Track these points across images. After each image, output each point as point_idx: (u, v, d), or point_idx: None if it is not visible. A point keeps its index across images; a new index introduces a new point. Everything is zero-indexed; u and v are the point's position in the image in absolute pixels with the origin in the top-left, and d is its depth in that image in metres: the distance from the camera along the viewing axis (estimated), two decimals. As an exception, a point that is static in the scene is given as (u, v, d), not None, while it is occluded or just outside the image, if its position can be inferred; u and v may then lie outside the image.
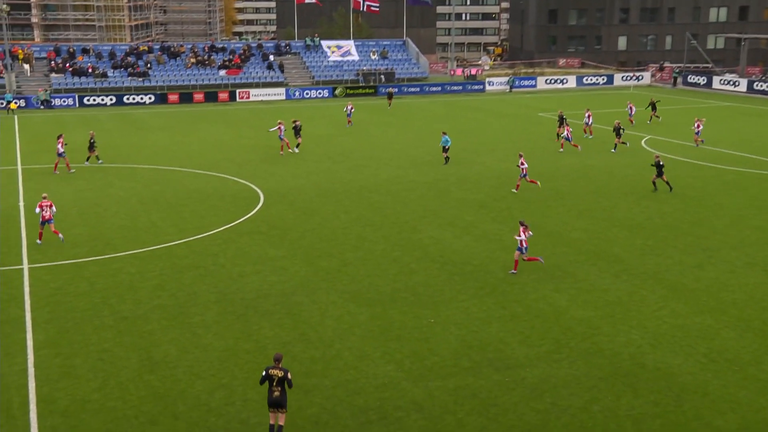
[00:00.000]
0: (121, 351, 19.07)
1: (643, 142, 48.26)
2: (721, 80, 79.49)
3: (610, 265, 25.32)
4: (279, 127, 44.50)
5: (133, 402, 16.62)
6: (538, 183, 35.35)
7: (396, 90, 75.16)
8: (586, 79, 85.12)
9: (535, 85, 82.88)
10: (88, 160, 42.13)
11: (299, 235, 28.96)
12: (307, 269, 25.11)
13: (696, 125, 46.15)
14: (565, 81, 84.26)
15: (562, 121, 47.39)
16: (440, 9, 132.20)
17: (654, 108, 56.14)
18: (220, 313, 21.50)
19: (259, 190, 35.83)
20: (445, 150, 41.23)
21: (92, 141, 41.98)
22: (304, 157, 43.50)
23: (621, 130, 44.46)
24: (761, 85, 74.85)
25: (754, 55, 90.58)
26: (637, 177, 37.84)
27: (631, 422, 15.84)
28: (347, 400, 16.75)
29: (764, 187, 36.06)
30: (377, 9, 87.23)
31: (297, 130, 45.52)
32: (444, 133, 41.88)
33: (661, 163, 34.92)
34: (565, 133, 44.50)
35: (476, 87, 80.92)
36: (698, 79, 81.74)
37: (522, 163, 34.69)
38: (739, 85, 76.92)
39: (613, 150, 44.48)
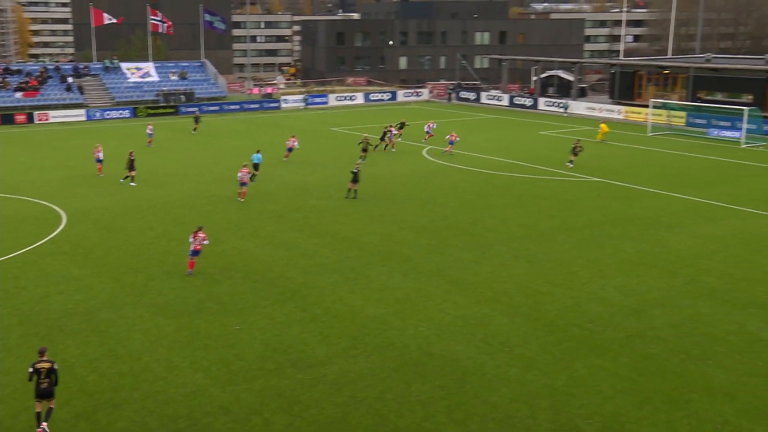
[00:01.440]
0: None
1: (424, 152, 50.16)
2: (487, 95, 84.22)
3: (400, 265, 26.08)
4: (96, 152, 41.77)
5: (-71, 435, 15.08)
6: (242, 199, 35.53)
7: (197, 109, 73.25)
8: (373, 96, 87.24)
9: (327, 102, 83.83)
10: None
11: (104, 252, 27.53)
12: (113, 286, 23.92)
13: (429, 126, 54.44)
14: (354, 98, 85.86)
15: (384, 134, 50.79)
16: (236, 32, 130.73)
17: (401, 127, 57.28)
18: (22, 335, 19.99)
19: (61, 211, 33.67)
20: (256, 168, 40.16)
21: None
22: (109, 177, 41.19)
23: (368, 145, 46.65)
24: (520, 100, 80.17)
25: (513, 74, 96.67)
26: (420, 184, 39.26)
27: (421, 406, 16.39)
28: (157, 411, 16.11)
29: (527, 189, 38.58)
30: (171, 31, 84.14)
31: (131, 163, 39.75)
32: (258, 151, 41.29)
33: (355, 170, 36.29)
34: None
35: (272, 105, 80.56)
36: (469, 95, 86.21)
37: (245, 173, 35.73)
38: (502, 99, 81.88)
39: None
